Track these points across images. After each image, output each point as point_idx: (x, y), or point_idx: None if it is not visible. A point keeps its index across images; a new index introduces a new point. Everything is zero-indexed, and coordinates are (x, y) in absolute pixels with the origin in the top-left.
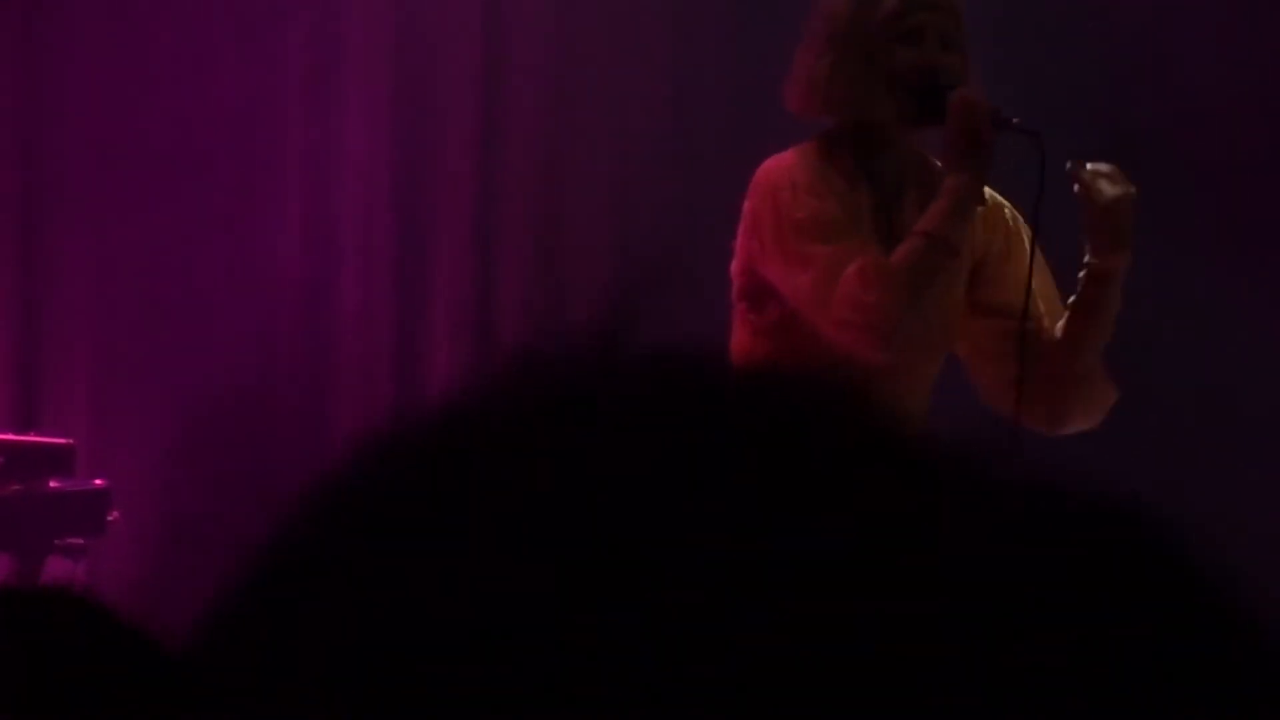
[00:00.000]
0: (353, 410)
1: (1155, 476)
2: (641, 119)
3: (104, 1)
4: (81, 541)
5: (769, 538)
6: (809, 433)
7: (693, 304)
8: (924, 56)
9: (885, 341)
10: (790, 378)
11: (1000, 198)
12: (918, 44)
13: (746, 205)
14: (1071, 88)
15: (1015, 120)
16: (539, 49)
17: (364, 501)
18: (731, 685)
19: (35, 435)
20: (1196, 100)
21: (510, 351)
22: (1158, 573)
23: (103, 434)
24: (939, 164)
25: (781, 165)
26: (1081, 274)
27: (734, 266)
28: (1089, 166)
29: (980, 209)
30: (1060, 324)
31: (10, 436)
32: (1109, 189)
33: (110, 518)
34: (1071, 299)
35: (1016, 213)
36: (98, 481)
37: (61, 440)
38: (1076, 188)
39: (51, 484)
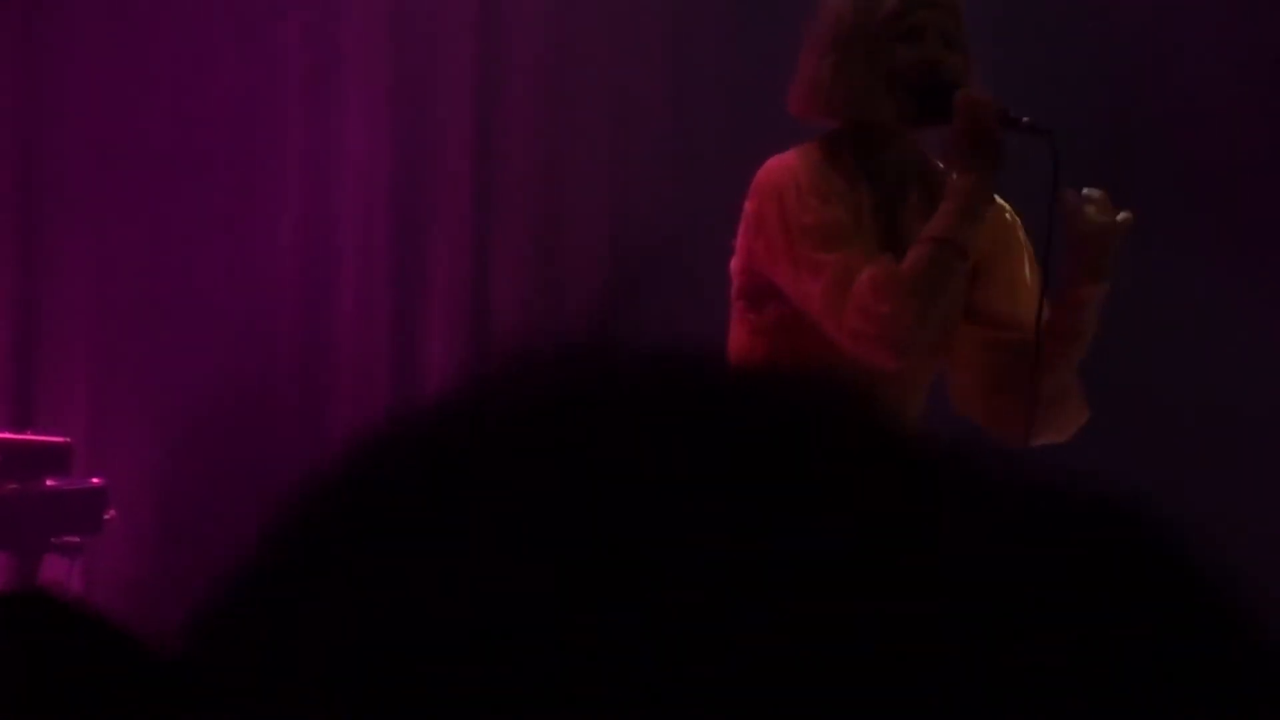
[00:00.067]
0: (350, 409)
1: (1155, 476)
2: (639, 118)
3: (103, 2)
4: (78, 540)
5: (769, 538)
6: (809, 433)
7: (690, 302)
8: (925, 54)
9: (901, 352)
10: (790, 378)
11: (1000, 200)
12: (919, 42)
13: (748, 205)
14: (1071, 88)
15: (1026, 120)
16: (537, 48)
17: (363, 501)
18: (731, 685)
19: (32, 434)
20: (1196, 100)
21: (508, 350)
22: (1156, 572)
23: (100, 433)
24: (941, 165)
25: (784, 166)
26: (1055, 299)
27: (733, 265)
28: (1084, 192)
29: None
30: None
31: (7, 435)
32: (1096, 217)
33: (107, 516)
34: (1045, 321)
35: (1016, 216)
36: (94, 480)
37: (58, 439)
38: (1062, 213)
39: (48, 483)
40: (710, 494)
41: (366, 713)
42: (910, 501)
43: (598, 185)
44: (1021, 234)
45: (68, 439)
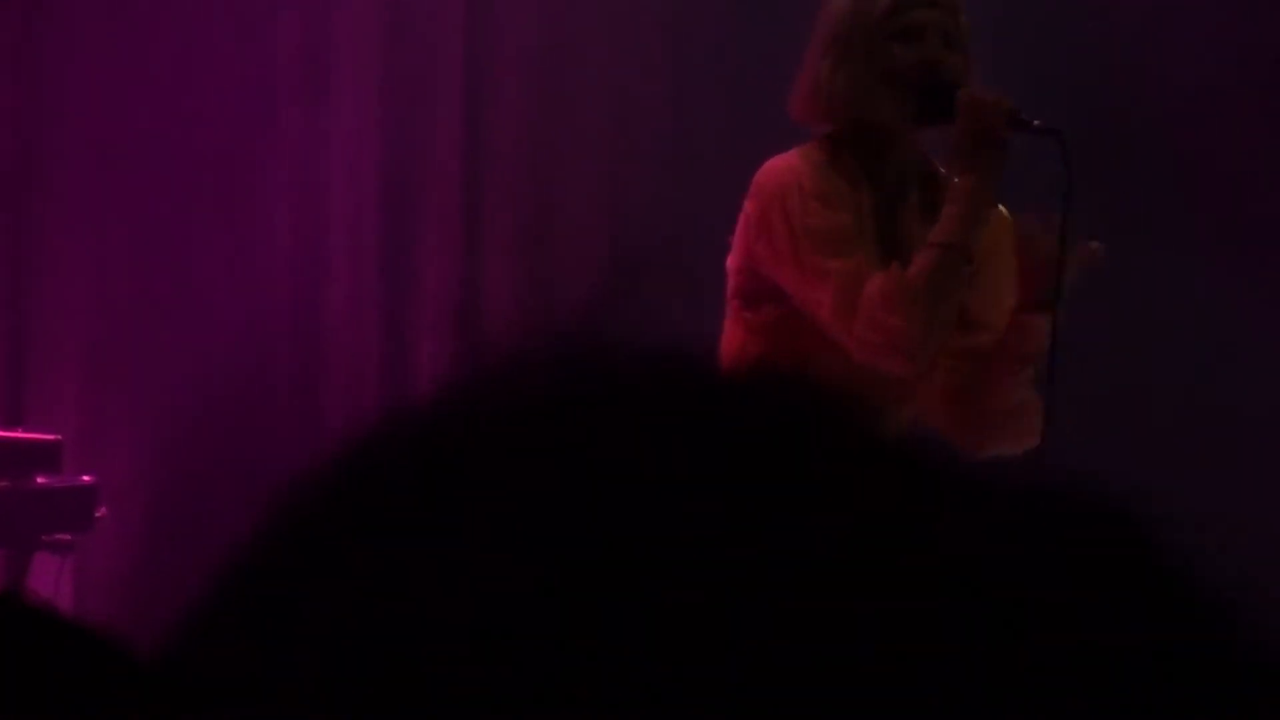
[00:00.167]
0: (341, 407)
1: (1155, 476)
2: (633, 115)
3: (99, 2)
4: (69, 538)
5: (768, 537)
6: (807, 433)
7: (685, 300)
8: (924, 54)
9: (913, 359)
10: (788, 379)
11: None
12: (918, 42)
13: (749, 205)
14: (1071, 88)
15: (1036, 122)
16: (529, 45)
17: (362, 500)
18: (731, 685)
19: (23, 431)
20: (1196, 100)
21: (504, 350)
22: (1148, 572)
23: (91, 430)
24: (942, 169)
25: (786, 168)
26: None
27: (730, 263)
28: (1042, 220)
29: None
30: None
31: None
32: (1045, 247)
33: (98, 514)
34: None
35: (1013, 222)
36: (85, 478)
37: (48, 436)
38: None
39: (39, 480)
40: (709, 493)
41: (366, 713)
42: (908, 501)
43: (591, 183)
44: (1009, 241)
45: (58, 436)
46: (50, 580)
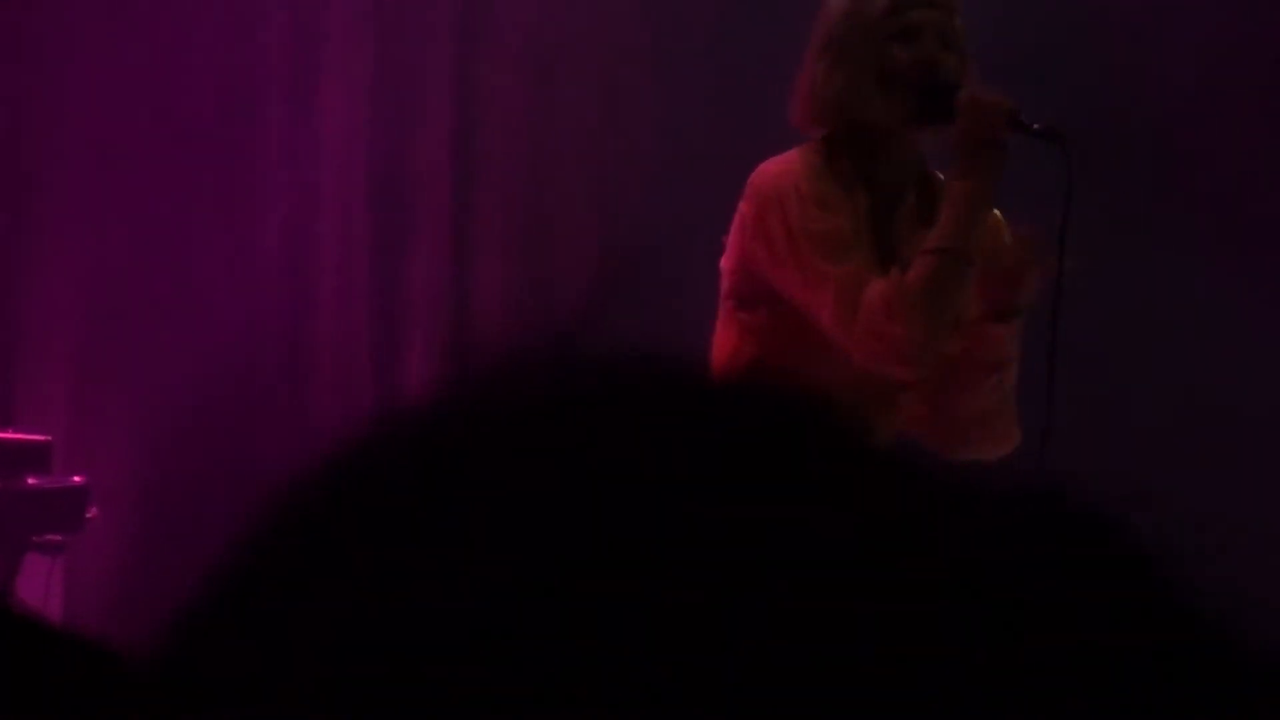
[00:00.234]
0: (332, 407)
1: (1155, 476)
2: (623, 112)
3: (92, 4)
4: (60, 538)
5: (767, 538)
6: (805, 434)
7: (678, 299)
8: (923, 53)
9: (916, 366)
10: (784, 381)
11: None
12: (915, 42)
13: (745, 208)
14: (1071, 88)
15: (1037, 124)
16: (518, 45)
17: (361, 500)
18: (731, 685)
19: (11, 432)
20: (1196, 100)
21: (500, 350)
22: (1132, 576)
23: (81, 431)
24: (939, 173)
25: (783, 171)
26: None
27: (725, 264)
28: (1013, 230)
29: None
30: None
31: None
32: (1010, 257)
33: (89, 515)
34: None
35: (1008, 230)
36: (76, 479)
37: (38, 437)
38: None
39: (29, 481)
40: (709, 494)
41: (366, 713)
42: (907, 502)
43: (581, 183)
44: (1005, 241)
45: (49, 437)
46: (41, 581)
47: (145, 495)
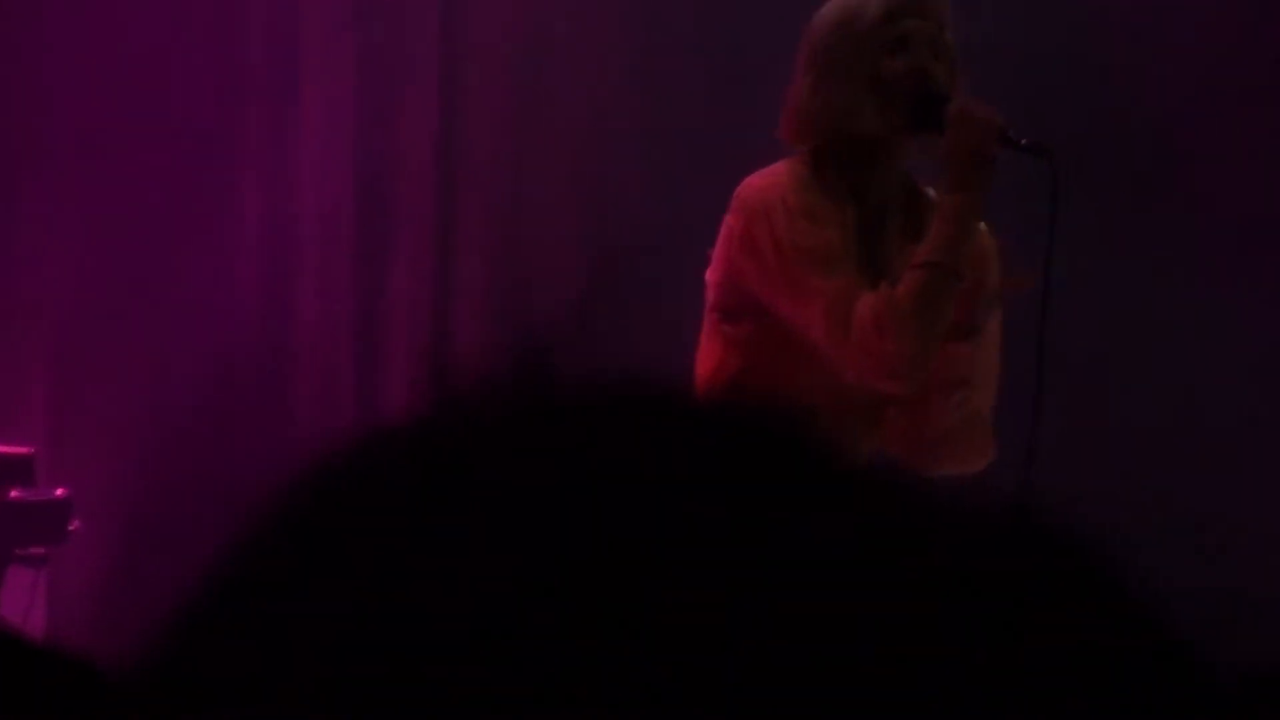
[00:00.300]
0: (314, 413)
1: (1155, 477)
2: (608, 115)
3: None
4: (43, 551)
5: (767, 539)
6: (804, 435)
7: (661, 302)
8: (914, 62)
9: (907, 382)
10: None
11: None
12: (907, 51)
13: (732, 221)
14: (1071, 88)
15: (1024, 140)
16: (503, 43)
17: (360, 501)
18: (731, 685)
19: None
20: (1196, 100)
21: (491, 352)
22: (1099, 591)
23: (64, 443)
24: (928, 190)
25: (770, 183)
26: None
27: (710, 276)
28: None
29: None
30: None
31: None
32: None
33: (72, 527)
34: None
35: (996, 249)
36: (59, 491)
37: (21, 449)
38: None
39: (12, 494)
40: (708, 494)
41: (365, 713)
42: (905, 505)
43: (566, 183)
44: (995, 258)
45: (31, 449)
46: (24, 594)
47: (128, 507)
